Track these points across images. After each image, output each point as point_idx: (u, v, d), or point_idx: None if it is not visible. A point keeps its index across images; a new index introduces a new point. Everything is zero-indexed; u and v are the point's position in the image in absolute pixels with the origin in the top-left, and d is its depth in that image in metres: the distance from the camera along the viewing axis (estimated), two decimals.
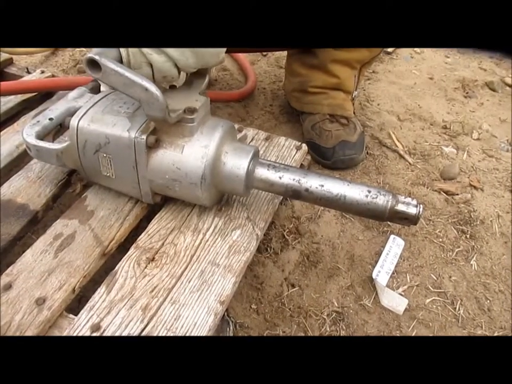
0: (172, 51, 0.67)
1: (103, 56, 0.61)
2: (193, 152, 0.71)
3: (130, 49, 0.66)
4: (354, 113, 1.24)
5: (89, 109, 0.75)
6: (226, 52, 0.72)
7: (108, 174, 0.75)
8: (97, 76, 0.63)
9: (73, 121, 0.73)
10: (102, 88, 0.88)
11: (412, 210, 0.68)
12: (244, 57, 1.55)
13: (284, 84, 1.34)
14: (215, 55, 0.71)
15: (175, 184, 0.73)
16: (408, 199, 0.69)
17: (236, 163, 0.72)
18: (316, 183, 0.71)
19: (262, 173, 0.73)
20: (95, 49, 0.62)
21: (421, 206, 0.68)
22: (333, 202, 0.71)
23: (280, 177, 0.72)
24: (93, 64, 0.62)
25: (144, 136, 0.69)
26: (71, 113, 0.77)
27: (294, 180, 0.72)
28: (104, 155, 0.73)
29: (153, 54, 0.67)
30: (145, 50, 0.66)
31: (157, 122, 0.71)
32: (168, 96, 0.70)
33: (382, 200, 0.69)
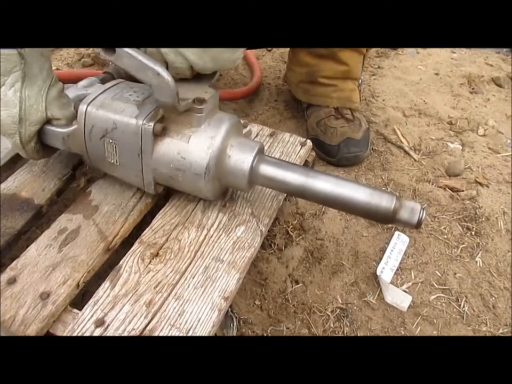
0: (190, 54, 0.67)
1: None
2: (200, 143, 0.71)
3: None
4: (360, 99, 1.24)
5: (98, 95, 0.75)
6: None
7: (112, 161, 0.75)
8: (111, 57, 0.64)
9: (82, 106, 0.73)
10: None
11: (414, 217, 0.67)
12: (250, 51, 1.54)
13: (287, 75, 1.31)
14: (232, 61, 0.71)
15: (179, 174, 0.73)
16: (412, 204, 0.68)
17: (241, 157, 0.72)
18: (320, 182, 0.70)
19: (266, 169, 0.72)
20: None
21: (424, 210, 0.67)
22: (336, 203, 0.70)
23: (284, 175, 0.72)
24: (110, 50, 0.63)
25: (151, 123, 0.69)
26: (80, 100, 0.77)
27: (298, 178, 0.71)
28: (110, 141, 0.73)
29: (170, 54, 0.68)
30: (163, 50, 0.67)
31: (165, 110, 0.71)
32: (178, 86, 0.69)
33: (385, 203, 0.67)
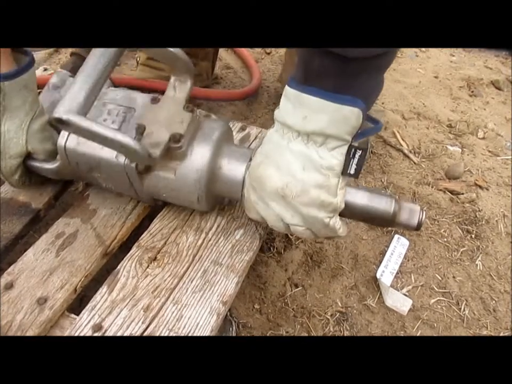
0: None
1: (70, 113, 0.57)
2: (186, 174, 0.69)
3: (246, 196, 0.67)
4: None
5: None
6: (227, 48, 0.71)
7: (107, 186, 0.75)
8: (69, 131, 0.61)
9: (60, 142, 0.70)
10: None
11: (414, 220, 0.66)
12: (248, 54, 1.54)
13: (283, 76, 1.29)
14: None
15: (173, 199, 0.74)
16: (411, 206, 0.66)
17: (232, 173, 0.70)
18: None
19: None
20: (61, 106, 0.57)
21: (423, 212, 0.66)
22: None
23: None
24: (62, 122, 0.57)
25: (133, 164, 0.67)
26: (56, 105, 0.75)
27: None
28: (99, 175, 0.72)
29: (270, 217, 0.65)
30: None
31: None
32: (149, 120, 0.68)
33: (384, 206, 0.66)
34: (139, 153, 0.62)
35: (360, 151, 0.60)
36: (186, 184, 0.69)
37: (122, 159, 0.67)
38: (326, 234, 0.65)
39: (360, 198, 0.66)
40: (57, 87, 0.81)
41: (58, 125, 0.57)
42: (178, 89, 0.73)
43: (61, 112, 0.57)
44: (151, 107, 0.71)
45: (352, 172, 0.61)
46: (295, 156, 0.60)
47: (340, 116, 0.56)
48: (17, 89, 0.68)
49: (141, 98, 0.73)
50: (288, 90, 0.60)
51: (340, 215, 0.65)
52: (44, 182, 0.79)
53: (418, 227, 0.66)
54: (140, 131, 0.66)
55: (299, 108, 0.58)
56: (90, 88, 0.59)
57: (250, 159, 0.69)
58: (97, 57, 0.61)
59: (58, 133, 0.72)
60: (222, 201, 0.81)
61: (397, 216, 0.66)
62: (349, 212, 0.68)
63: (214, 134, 0.70)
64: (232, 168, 0.70)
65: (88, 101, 0.59)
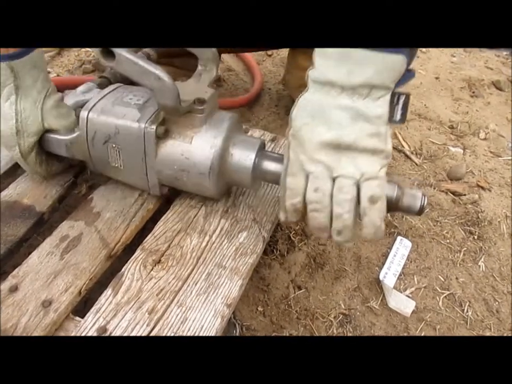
0: None
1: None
2: (203, 142, 0.72)
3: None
4: None
5: (98, 101, 0.75)
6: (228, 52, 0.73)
7: (116, 165, 0.76)
8: (111, 64, 0.64)
9: (83, 113, 0.74)
10: None
11: (416, 204, 0.67)
12: (250, 56, 1.54)
13: (286, 79, 1.30)
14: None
15: (183, 174, 0.74)
16: (413, 191, 0.68)
17: (244, 154, 0.73)
18: None
19: (270, 164, 0.73)
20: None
21: (425, 197, 0.68)
22: None
23: None
24: (107, 52, 0.63)
25: (154, 126, 0.70)
26: (80, 106, 0.78)
27: None
28: (113, 145, 0.73)
29: None
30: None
31: (167, 112, 0.72)
32: (178, 87, 0.70)
33: (387, 192, 0.66)
34: (171, 89, 0.66)
35: (404, 96, 0.61)
36: (201, 153, 0.71)
37: (143, 123, 0.70)
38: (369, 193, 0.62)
39: None
40: (84, 93, 0.84)
41: (103, 55, 0.64)
42: (204, 75, 0.78)
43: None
44: (178, 83, 0.74)
45: (398, 117, 0.62)
46: (343, 110, 0.60)
47: (386, 65, 0.58)
48: (28, 68, 0.70)
49: None
50: (328, 50, 0.61)
51: None
52: (57, 168, 0.82)
53: (420, 212, 0.68)
54: None
55: (343, 63, 0.59)
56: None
57: (260, 146, 0.73)
58: None
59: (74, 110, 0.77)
60: (227, 196, 0.82)
61: (400, 201, 0.67)
62: None
63: (229, 119, 0.75)
64: (243, 152, 0.73)
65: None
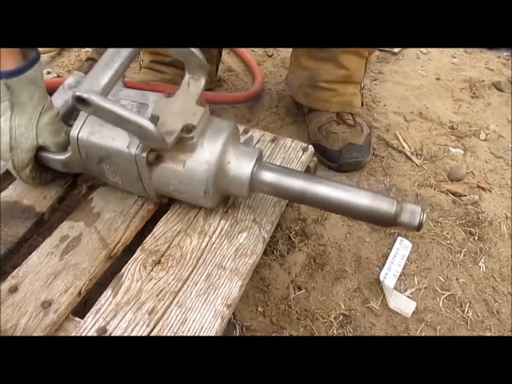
0: None
1: (91, 93, 0.59)
2: (195, 167, 0.70)
3: None
4: (362, 103, 1.24)
5: (86, 119, 0.72)
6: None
7: (114, 180, 0.76)
8: (87, 110, 0.62)
9: (73, 133, 0.72)
10: None
11: (415, 220, 0.68)
12: (251, 57, 1.54)
13: (289, 78, 1.31)
14: None
15: (180, 194, 0.74)
16: (412, 207, 0.69)
17: (240, 166, 0.72)
18: (320, 187, 0.70)
19: (266, 176, 0.72)
20: (83, 86, 0.60)
21: (424, 213, 0.68)
22: (337, 208, 0.71)
23: (284, 181, 0.72)
24: (81, 100, 0.60)
25: (144, 154, 0.68)
26: (68, 106, 0.76)
27: (298, 184, 0.71)
28: (108, 166, 0.73)
29: None
30: None
31: (154, 150, 0.70)
32: (163, 111, 0.69)
33: (386, 207, 0.68)
34: (154, 136, 0.64)
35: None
36: (194, 177, 0.70)
37: (133, 149, 0.68)
38: None
39: (364, 199, 0.69)
40: (72, 87, 0.82)
41: (78, 104, 0.60)
42: (192, 86, 0.75)
43: (82, 91, 0.59)
44: (165, 100, 0.73)
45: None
46: None
47: None
48: (25, 84, 0.70)
49: (154, 96, 0.74)
50: None
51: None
52: (52, 178, 0.81)
53: (419, 227, 0.68)
54: (154, 121, 0.67)
55: None
56: (111, 72, 0.62)
57: (257, 158, 0.72)
58: (116, 49, 0.64)
59: (68, 125, 0.75)
60: (225, 201, 0.81)
61: (399, 216, 0.68)
62: (351, 212, 0.71)
63: (224, 131, 0.72)
64: (240, 165, 0.72)
65: (109, 84, 0.62)
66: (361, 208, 0.69)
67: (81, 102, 0.60)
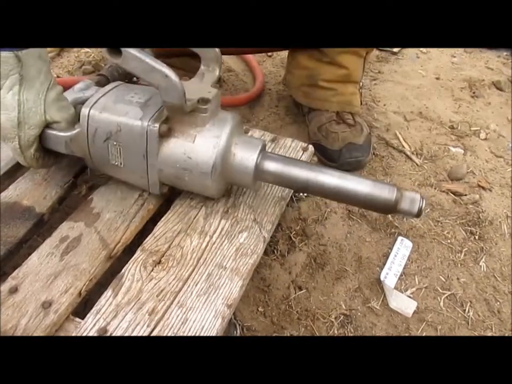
0: None
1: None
2: (205, 142, 0.72)
3: None
4: (361, 103, 1.24)
5: (100, 98, 0.75)
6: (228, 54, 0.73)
7: (117, 163, 0.75)
8: (117, 60, 0.64)
9: (84, 109, 0.73)
10: None
11: (415, 207, 0.70)
12: (252, 57, 1.54)
13: (287, 78, 1.30)
14: None
15: (185, 173, 0.74)
16: (412, 194, 0.71)
17: (246, 154, 0.74)
18: (323, 176, 0.72)
19: (270, 165, 0.74)
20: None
21: (424, 200, 0.70)
22: (339, 195, 0.72)
23: (288, 170, 0.73)
24: (113, 49, 0.63)
25: (157, 125, 0.70)
26: (79, 103, 0.78)
27: (301, 172, 0.73)
28: (115, 143, 0.73)
29: None
30: None
31: (171, 111, 0.72)
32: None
33: (387, 194, 0.70)
34: (177, 88, 0.66)
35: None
36: (203, 153, 0.72)
37: (146, 121, 0.70)
38: None
39: (365, 187, 0.71)
40: (82, 90, 0.83)
41: (110, 54, 0.64)
42: (207, 76, 0.79)
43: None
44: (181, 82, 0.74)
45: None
46: None
47: None
48: (33, 58, 0.70)
49: None
50: None
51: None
52: (54, 162, 0.80)
53: (418, 214, 0.70)
54: None
55: None
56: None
57: (262, 148, 0.74)
58: None
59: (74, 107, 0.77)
60: (227, 197, 0.83)
61: (399, 203, 0.70)
62: (353, 200, 0.73)
63: (231, 120, 0.75)
64: (245, 154, 0.74)
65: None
66: (362, 196, 0.71)
67: (112, 51, 0.64)
